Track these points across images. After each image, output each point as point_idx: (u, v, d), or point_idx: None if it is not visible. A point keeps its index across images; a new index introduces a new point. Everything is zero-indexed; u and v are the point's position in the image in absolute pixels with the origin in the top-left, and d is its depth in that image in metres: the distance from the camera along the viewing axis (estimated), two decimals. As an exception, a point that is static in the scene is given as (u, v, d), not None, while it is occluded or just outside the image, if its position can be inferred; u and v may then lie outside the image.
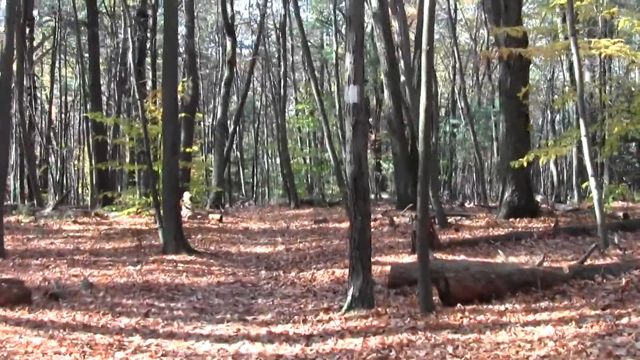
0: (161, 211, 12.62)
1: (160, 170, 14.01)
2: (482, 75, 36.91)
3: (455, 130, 37.07)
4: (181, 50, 29.45)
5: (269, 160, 47.70)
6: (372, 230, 8.11)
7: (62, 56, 35.21)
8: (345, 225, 15.78)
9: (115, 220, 17.53)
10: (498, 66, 29.77)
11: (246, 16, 40.12)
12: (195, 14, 28.67)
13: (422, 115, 7.06)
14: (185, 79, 20.48)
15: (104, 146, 23.15)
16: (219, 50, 38.48)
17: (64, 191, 32.84)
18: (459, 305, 7.13)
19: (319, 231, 15.56)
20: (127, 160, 26.99)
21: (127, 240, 13.97)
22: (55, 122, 37.10)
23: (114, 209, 18.57)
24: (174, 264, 10.83)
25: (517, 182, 15.16)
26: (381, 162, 33.90)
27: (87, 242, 13.77)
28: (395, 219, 15.65)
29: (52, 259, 11.46)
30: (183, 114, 20.33)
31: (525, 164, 14.03)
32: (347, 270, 9.66)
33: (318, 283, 9.04)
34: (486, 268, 8.04)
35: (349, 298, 7.33)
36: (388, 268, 9.45)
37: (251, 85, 36.03)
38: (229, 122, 29.43)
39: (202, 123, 38.17)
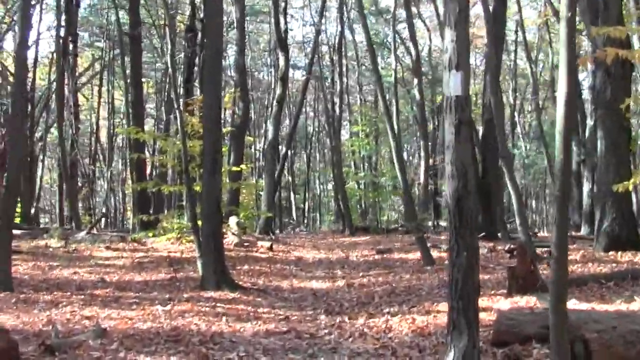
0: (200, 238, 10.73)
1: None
2: (543, 100, 34.89)
3: (517, 152, 34.95)
4: (230, 72, 28.13)
5: (321, 186, 46.01)
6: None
7: (112, 77, 34.33)
8: (413, 256, 13.66)
9: (153, 247, 15.77)
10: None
11: (299, 38, 39.10)
12: (246, 33, 27.42)
13: (562, 109, 4.79)
14: (233, 90, 18.75)
15: (143, 165, 21.53)
16: (270, 72, 37.22)
17: (105, 213, 31.61)
18: (607, 379, 4.99)
19: (383, 263, 13.40)
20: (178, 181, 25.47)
21: (161, 270, 12.10)
22: (104, 144, 36.16)
23: (150, 234, 16.78)
24: (213, 303, 8.84)
25: (618, 209, 12.89)
26: (438, 188, 31.89)
27: (116, 272, 11.94)
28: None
29: (68, 293, 9.63)
30: (229, 128, 18.60)
31: (630, 187, 11.91)
32: (430, 317, 7.58)
33: (395, 335, 6.89)
34: (635, 325, 5.81)
35: (448, 366, 5.18)
36: (483, 316, 7.29)
37: (303, 109, 34.40)
38: (280, 145, 27.92)
39: (252, 147, 36.69)
